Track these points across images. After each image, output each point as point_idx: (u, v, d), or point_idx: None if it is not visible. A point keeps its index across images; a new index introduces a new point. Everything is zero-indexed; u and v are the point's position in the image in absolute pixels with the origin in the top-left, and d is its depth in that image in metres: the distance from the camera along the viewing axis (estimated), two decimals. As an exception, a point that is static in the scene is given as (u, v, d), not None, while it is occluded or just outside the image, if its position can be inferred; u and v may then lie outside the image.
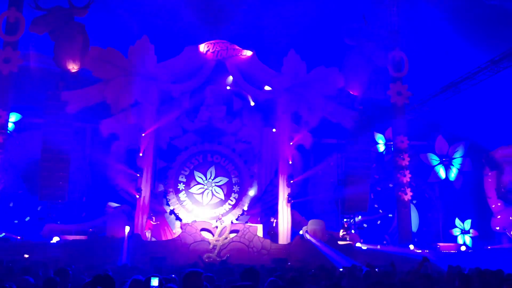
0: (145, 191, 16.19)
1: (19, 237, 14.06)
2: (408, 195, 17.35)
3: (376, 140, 18.88)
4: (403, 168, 17.63)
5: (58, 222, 15.03)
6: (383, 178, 18.87)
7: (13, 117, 15.55)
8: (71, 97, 15.83)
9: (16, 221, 14.95)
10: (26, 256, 12.19)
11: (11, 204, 15.29)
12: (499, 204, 18.05)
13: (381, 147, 18.93)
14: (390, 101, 18.27)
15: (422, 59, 18.15)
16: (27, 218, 14.99)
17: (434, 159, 18.78)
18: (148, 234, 15.74)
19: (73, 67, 15.93)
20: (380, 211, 18.28)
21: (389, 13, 18.33)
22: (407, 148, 17.90)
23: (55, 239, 14.26)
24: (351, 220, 17.61)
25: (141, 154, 16.55)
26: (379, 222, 17.98)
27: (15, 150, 15.19)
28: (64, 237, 14.42)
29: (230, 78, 17.75)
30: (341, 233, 17.14)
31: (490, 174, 18.36)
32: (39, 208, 15.41)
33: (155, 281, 4.41)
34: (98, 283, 4.79)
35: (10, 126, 15.40)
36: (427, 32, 17.93)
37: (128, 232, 14.99)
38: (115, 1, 16.61)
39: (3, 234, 14.12)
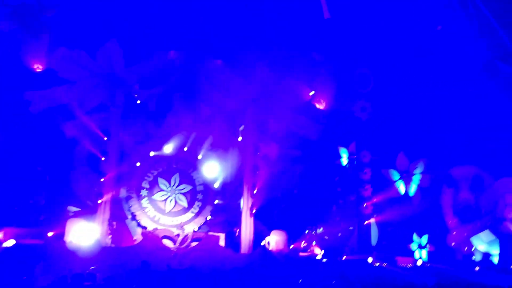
0: (107, 196, 15.91)
1: None
2: (369, 209, 17.82)
3: (340, 153, 19.23)
4: (365, 182, 18.11)
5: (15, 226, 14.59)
6: (345, 191, 19.21)
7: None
8: (35, 97, 15.48)
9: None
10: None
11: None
12: (455, 220, 18.68)
13: (345, 161, 19.29)
14: (354, 115, 18.74)
15: (388, 75, 18.73)
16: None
17: (395, 175, 19.27)
18: (108, 240, 15.44)
19: (38, 67, 15.59)
20: (342, 223, 18.56)
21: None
22: (369, 162, 18.38)
23: (11, 242, 13.81)
24: (313, 232, 17.83)
25: (103, 158, 16.30)
26: (340, 234, 18.25)
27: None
28: (20, 240, 13.99)
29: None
30: (303, 244, 17.36)
31: (447, 191, 19.00)
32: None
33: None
34: None
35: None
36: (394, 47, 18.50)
37: (87, 238, 14.70)
38: (85, 2, 16.34)
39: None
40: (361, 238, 17.64)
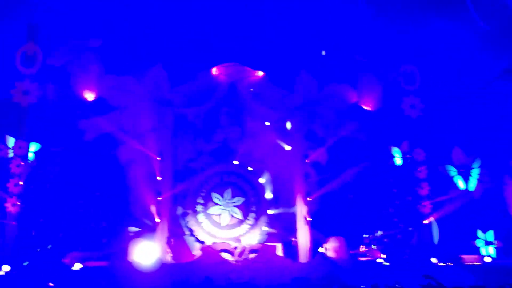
0: (164, 214, 16.33)
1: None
2: (428, 208, 17.30)
3: (393, 153, 18.82)
4: (421, 181, 17.63)
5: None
6: (401, 191, 18.76)
7: (33, 147, 15.91)
8: (88, 125, 16.21)
9: (38, 249, 15.14)
10: (51, 284, 12.33)
11: (33, 233, 15.53)
12: (522, 212, 17.78)
13: (398, 161, 18.85)
14: (404, 114, 18.35)
15: (433, 70, 18.27)
16: (49, 246, 15.18)
17: (452, 170, 18.61)
18: (168, 257, 15.79)
19: (89, 96, 16.34)
20: (400, 225, 18.10)
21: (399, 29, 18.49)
22: (424, 160, 17.89)
23: (77, 266, 14.43)
24: (371, 236, 17.48)
25: (159, 178, 16.76)
26: (399, 236, 17.79)
27: (36, 179, 15.52)
28: (86, 263, 14.59)
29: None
30: (362, 249, 17.04)
31: (510, 182, 18.13)
32: (60, 235, 15.63)
33: None
34: None
35: (31, 156, 15.76)
36: (440, 43, 18.06)
37: (149, 256, 15.10)
38: (128, 31, 17.04)
39: (27, 262, 14.31)
40: (422, 238, 17.10)
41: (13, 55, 15.98)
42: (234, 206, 17.42)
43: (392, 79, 18.69)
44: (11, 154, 15.43)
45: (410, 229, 17.71)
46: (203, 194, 17.39)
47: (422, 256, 16.40)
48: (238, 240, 16.32)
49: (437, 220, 17.83)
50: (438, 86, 18.75)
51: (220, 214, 17.28)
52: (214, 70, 17.82)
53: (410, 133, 18.45)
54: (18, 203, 14.91)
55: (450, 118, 18.60)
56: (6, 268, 13.96)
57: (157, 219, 16.28)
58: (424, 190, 17.53)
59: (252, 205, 17.47)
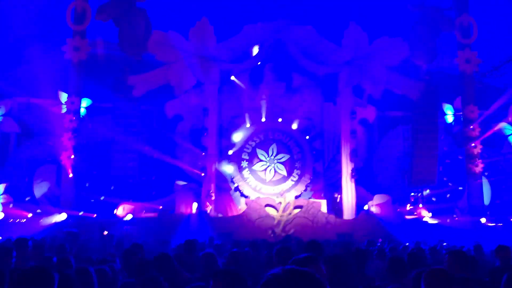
0: (210, 169, 16.66)
1: (95, 215, 15.00)
2: (479, 167, 16.69)
3: (444, 110, 18.14)
4: (473, 139, 16.94)
5: (131, 200, 15.87)
6: (452, 150, 18.18)
7: (85, 103, 16.43)
8: (137, 81, 16.47)
9: (92, 200, 15.92)
10: (105, 232, 13.00)
11: (87, 184, 16.27)
12: None
13: (450, 118, 18.18)
14: (458, 69, 17.51)
15: (492, 23, 17.18)
16: (102, 197, 15.92)
17: (507, 129, 17.77)
18: (213, 211, 16.17)
19: (137, 52, 16.53)
20: (450, 184, 17.66)
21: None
22: (477, 118, 17.13)
23: (129, 216, 15.11)
24: (419, 194, 17.18)
25: (205, 134, 16.99)
26: (448, 195, 17.39)
27: (88, 133, 16.09)
28: (137, 214, 15.26)
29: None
30: (408, 207, 16.82)
31: None
32: (112, 188, 16.30)
33: None
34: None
35: (82, 111, 16.31)
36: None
37: (196, 209, 15.57)
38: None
39: (82, 212, 15.11)
40: (472, 198, 16.60)
41: (63, 11, 16.25)
42: (278, 162, 17.48)
43: (447, 31, 17.72)
44: (64, 109, 15.97)
45: (460, 188, 17.25)
46: (248, 151, 17.53)
47: (471, 216, 16.02)
48: (282, 195, 16.47)
49: (489, 180, 17.26)
50: (495, 40, 17.67)
51: (265, 170, 17.43)
52: (260, 25, 17.43)
53: (464, 89, 17.61)
54: (72, 156, 15.55)
55: (507, 72, 17.56)
56: (63, 216, 14.80)
57: (202, 174, 16.58)
58: (477, 149, 16.82)
59: (296, 162, 17.48)
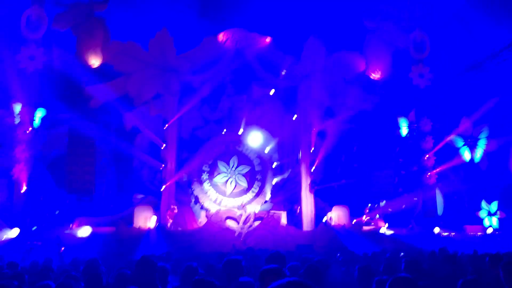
0: (170, 182, 16.44)
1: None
2: (433, 178, 17.30)
3: (399, 123, 18.70)
4: (427, 151, 17.56)
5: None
6: (407, 161, 18.74)
7: (39, 113, 15.90)
8: (94, 91, 16.11)
9: (46, 215, 15.38)
10: (63, 248, 12.57)
11: (41, 198, 15.71)
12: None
13: (404, 131, 18.76)
14: (412, 83, 18.13)
15: (443, 39, 17.91)
16: (57, 212, 15.41)
17: (458, 141, 18.52)
18: (172, 224, 15.95)
19: (95, 62, 16.19)
20: (405, 194, 18.16)
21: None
22: (430, 130, 17.78)
23: (86, 231, 14.65)
24: (375, 205, 17.58)
25: (163, 145, 16.79)
26: (403, 206, 17.88)
27: (42, 145, 15.56)
28: (94, 229, 14.83)
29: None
30: (365, 218, 17.17)
31: (516, 154, 18.03)
32: (67, 202, 15.81)
33: None
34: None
35: (36, 122, 15.77)
36: (448, 11, 17.66)
37: (155, 223, 15.30)
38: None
39: (35, 227, 14.53)
40: (426, 208, 17.17)
41: (18, 19, 15.73)
42: (239, 174, 17.48)
43: (401, 46, 18.34)
44: (17, 120, 15.40)
45: (415, 199, 17.78)
46: (209, 162, 17.44)
47: (426, 226, 16.51)
48: (243, 207, 16.44)
49: (442, 191, 17.87)
50: (447, 56, 18.42)
51: (225, 182, 17.38)
52: (220, 36, 17.48)
53: (417, 103, 18.25)
54: (25, 169, 14.98)
55: (459, 88, 18.35)
56: (15, 232, 14.19)
57: (162, 187, 16.35)
58: (430, 160, 17.45)
59: (257, 174, 17.53)
